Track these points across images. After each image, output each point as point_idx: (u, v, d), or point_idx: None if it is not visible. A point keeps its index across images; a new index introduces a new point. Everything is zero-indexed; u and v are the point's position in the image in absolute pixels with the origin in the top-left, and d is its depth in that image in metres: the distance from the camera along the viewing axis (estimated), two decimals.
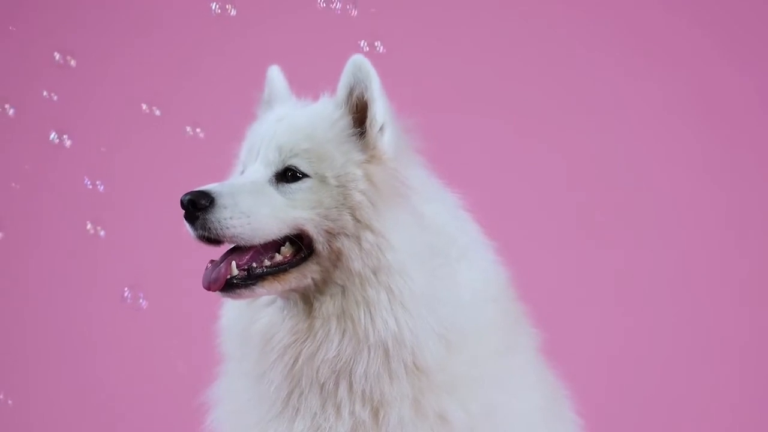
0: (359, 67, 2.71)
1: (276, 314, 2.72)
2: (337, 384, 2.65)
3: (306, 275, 2.66)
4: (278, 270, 2.66)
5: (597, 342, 4.66)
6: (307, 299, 2.69)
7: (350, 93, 2.74)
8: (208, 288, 2.65)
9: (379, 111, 2.71)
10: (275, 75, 2.95)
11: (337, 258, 2.65)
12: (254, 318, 2.75)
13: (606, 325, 4.75)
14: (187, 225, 2.63)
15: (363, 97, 2.72)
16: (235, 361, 2.83)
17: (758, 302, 4.81)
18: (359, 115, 2.74)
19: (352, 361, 2.63)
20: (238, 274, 2.65)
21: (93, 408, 4.86)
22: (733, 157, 4.87)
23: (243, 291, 2.65)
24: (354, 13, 3.13)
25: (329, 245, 2.65)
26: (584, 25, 4.91)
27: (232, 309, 2.83)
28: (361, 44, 3.20)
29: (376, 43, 3.31)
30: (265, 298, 2.75)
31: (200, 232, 2.62)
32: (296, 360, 2.66)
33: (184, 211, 2.62)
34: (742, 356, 4.79)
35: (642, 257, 4.83)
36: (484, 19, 4.85)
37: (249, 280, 2.65)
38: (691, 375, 4.76)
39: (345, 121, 2.74)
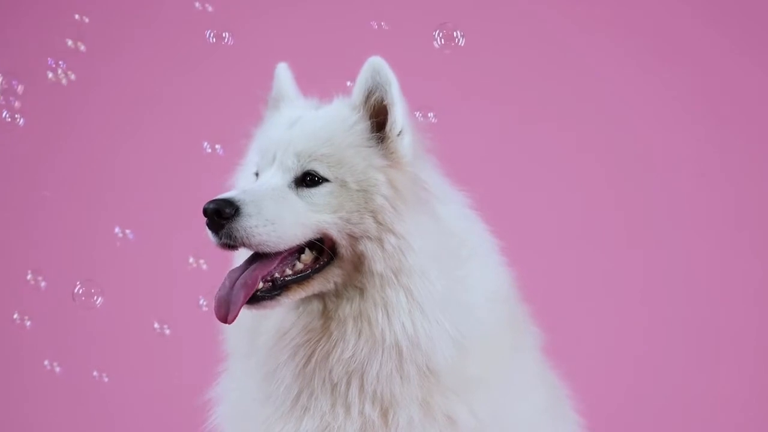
0: (378, 70, 2.69)
1: (289, 312, 2.70)
2: (348, 384, 2.64)
3: (329, 280, 2.65)
4: (302, 277, 2.65)
5: (597, 342, 4.66)
6: (320, 299, 2.68)
7: (368, 96, 2.71)
8: (225, 312, 2.61)
9: (399, 116, 2.69)
10: (283, 73, 2.92)
11: (359, 261, 2.64)
12: (265, 315, 2.72)
13: (607, 325, 4.75)
14: (209, 233, 2.60)
15: (382, 101, 2.70)
16: (240, 359, 2.81)
17: (765, 303, 4.81)
18: (377, 119, 2.71)
19: (366, 362, 2.62)
20: (263, 286, 2.63)
21: (91, 408, 4.85)
22: (742, 156, 4.87)
23: (268, 303, 2.63)
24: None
25: (352, 249, 2.64)
26: (590, 23, 4.91)
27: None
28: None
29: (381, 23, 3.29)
30: None
31: (225, 240, 2.59)
32: (309, 360, 2.65)
33: (206, 219, 2.58)
34: (746, 358, 4.79)
35: (643, 256, 4.84)
36: (488, 17, 4.85)
37: (274, 290, 2.63)
38: (694, 375, 4.76)
39: (363, 126, 2.71)
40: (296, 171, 2.68)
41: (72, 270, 4.47)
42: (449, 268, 2.67)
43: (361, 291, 2.64)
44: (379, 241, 2.63)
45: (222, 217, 2.56)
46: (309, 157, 2.67)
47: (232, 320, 2.60)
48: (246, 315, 2.74)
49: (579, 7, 4.92)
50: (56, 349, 4.73)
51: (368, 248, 2.63)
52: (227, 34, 3.32)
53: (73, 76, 3.52)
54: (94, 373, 4.43)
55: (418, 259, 2.63)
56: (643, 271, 4.84)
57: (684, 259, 4.83)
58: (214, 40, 3.30)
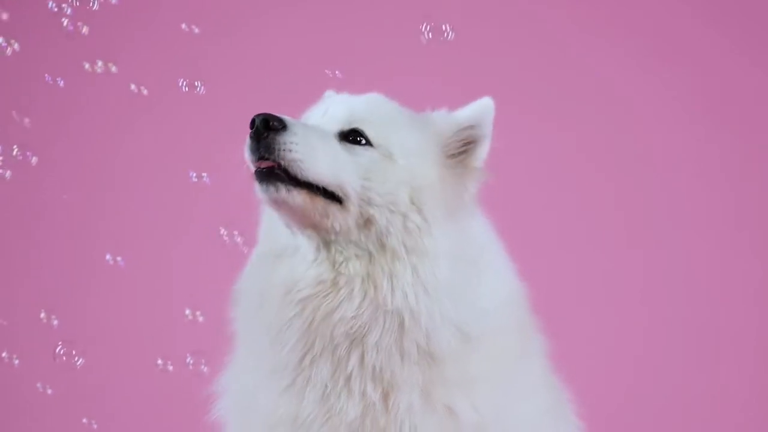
0: (488, 112, 2.83)
1: (300, 263, 2.72)
2: (349, 353, 2.65)
3: (328, 215, 2.65)
4: (313, 190, 2.65)
5: (597, 342, 4.65)
6: (329, 250, 2.70)
7: (468, 127, 2.82)
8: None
9: (482, 157, 2.82)
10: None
11: (365, 224, 2.67)
12: (277, 267, 2.75)
13: (607, 325, 4.75)
14: (247, 145, 2.64)
15: (473, 138, 2.81)
16: (248, 334, 2.80)
17: (765, 303, 4.80)
18: (461, 148, 2.82)
19: (367, 327, 2.63)
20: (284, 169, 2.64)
21: (89, 403, 4.84)
22: (742, 156, 4.86)
23: (281, 187, 2.62)
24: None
25: (360, 210, 2.66)
26: (590, 23, 4.90)
27: (254, 263, 2.85)
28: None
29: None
30: (290, 249, 2.74)
31: (262, 152, 2.62)
32: (314, 316, 2.66)
33: (251, 131, 2.62)
34: (746, 358, 4.78)
35: (643, 256, 4.83)
36: (488, 18, 4.85)
37: (292, 181, 2.63)
38: (694, 375, 4.75)
39: (450, 141, 2.81)
40: (344, 124, 2.73)
41: (66, 305, 4.51)
42: (465, 270, 2.70)
43: (370, 256, 2.67)
44: (403, 216, 2.67)
45: (267, 127, 2.60)
46: (361, 116, 2.73)
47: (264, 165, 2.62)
48: (258, 271, 2.79)
49: (579, 7, 4.92)
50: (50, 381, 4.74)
51: (385, 218, 2.66)
52: (199, 83, 3.35)
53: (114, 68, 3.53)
54: (83, 420, 4.44)
55: (434, 244, 2.67)
56: (643, 271, 4.84)
57: (684, 259, 4.82)
58: (187, 89, 3.33)
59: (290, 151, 2.60)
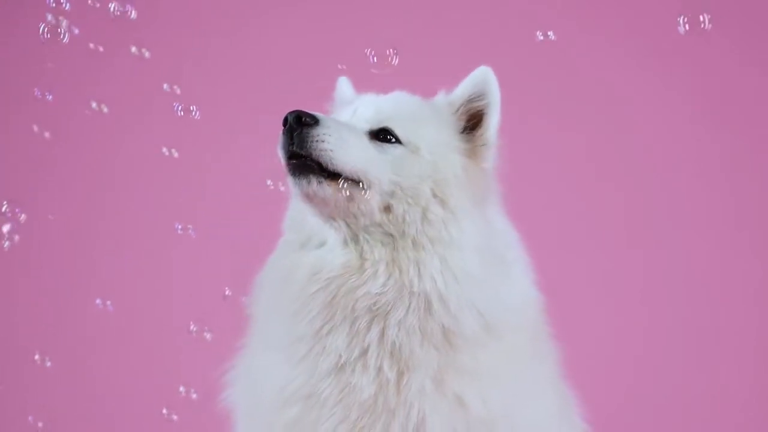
0: (488, 81, 2.86)
1: (328, 252, 2.77)
2: (369, 326, 2.69)
3: (354, 198, 2.71)
4: (338, 179, 2.71)
5: (597, 342, 4.64)
6: (356, 240, 2.74)
7: (470, 100, 2.86)
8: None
9: (492, 129, 2.86)
10: (344, 85, 3.07)
11: (384, 209, 2.72)
12: (305, 255, 2.79)
13: (607, 325, 4.74)
14: (280, 142, 2.70)
15: (479, 109, 2.86)
16: (269, 302, 2.84)
17: (765, 303, 4.80)
18: (468, 122, 2.87)
19: (392, 305, 2.68)
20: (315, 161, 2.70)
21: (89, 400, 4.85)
22: (742, 156, 4.86)
23: (313, 179, 2.70)
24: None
25: (381, 198, 2.72)
26: (590, 23, 4.90)
27: (279, 252, 2.90)
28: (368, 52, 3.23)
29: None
30: (317, 240, 2.79)
31: (296, 148, 2.69)
32: (339, 291, 2.71)
33: (284, 127, 2.69)
34: (746, 358, 4.77)
35: (643, 256, 4.83)
36: (487, 18, 4.85)
37: (324, 172, 2.70)
38: (694, 375, 4.75)
39: (455, 119, 2.86)
40: (373, 124, 2.79)
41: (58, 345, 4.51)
42: (494, 265, 2.75)
43: (395, 242, 2.72)
44: (423, 209, 2.71)
45: (301, 123, 2.66)
46: (389, 114, 2.80)
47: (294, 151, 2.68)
48: (284, 257, 2.84)
49: (579, 7, 4.91)
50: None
51: (402, 208, 2.71)
52: (194, 107, 3.36)
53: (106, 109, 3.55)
54: None
55: (461, 235, 2.72)
56: (643, 271, 4.83)
57: (684, 259, 4.82)
58: (182, 113, 3.35)
59: (322, 141, 2.67)
